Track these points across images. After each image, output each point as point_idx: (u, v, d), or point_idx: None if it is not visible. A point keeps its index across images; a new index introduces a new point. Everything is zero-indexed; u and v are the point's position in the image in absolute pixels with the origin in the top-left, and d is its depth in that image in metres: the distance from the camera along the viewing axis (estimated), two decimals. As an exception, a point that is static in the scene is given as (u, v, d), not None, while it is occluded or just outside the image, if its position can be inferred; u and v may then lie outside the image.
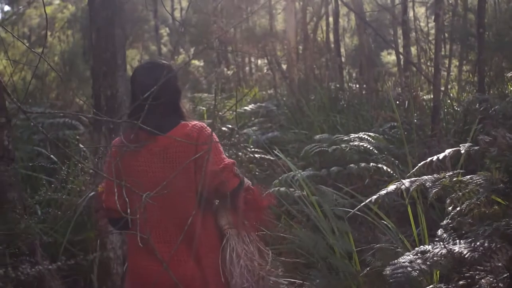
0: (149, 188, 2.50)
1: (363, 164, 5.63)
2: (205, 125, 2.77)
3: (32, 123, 2.81)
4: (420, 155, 5.90)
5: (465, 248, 2.72)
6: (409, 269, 2.60)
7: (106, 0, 4.31)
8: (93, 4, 4.37)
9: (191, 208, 2.56)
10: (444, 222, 3.29)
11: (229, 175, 2.66)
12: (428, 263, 2.65)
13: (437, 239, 3.08)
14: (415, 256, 2.76)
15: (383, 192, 3.45)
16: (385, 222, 4.37)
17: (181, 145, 2.65)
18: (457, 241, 2.87)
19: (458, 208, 3.27)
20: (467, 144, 3.60)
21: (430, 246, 2.87)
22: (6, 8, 25.25)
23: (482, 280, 3.04)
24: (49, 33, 19.45)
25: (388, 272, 2.64)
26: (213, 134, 2.75)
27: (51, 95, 9.68)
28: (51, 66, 2.02)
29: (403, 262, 2.69)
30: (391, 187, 3.45)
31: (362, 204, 3.93)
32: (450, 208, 3.34)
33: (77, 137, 6.61)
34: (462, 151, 3.45)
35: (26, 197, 4.15)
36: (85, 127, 7.21)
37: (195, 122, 2.79)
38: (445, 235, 3.03)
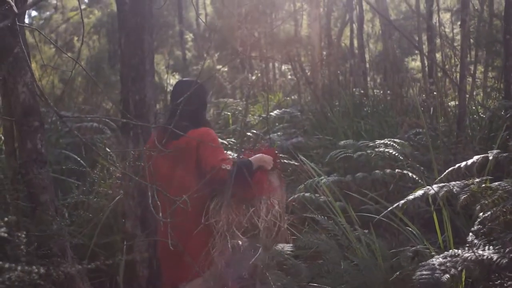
0: (163, 180, 3.48)
1: (388, 170, 5.62)
2: (210, 131, 3.60)
3: (66, 126, 2.91)
4: (446, 161, 5.88)
5: (494, 254, 2.72)
6: (438, 272, 2.61)
7: (136, 6, 4.37)
8: (122, 10, 4.42)
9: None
10: (475, 227, 3.30)
11: (221, 172, 3.35)
12: (458, 267, 2.65)
13: (467, 244, 3.08)
14: (445, 260, 2.76)
15: (410, 197, 3.45)
16: (410, 229, 4.37)
17: (185, 149, 3.49)
18: (486, 247, 2.87)
19: (486, 215, 3.27)
20: (495, 151, 3.59)
21: (460, 250, 2.87)
22: (34, 13, 25.57)
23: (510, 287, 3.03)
24: (75, 38, 19.67)
25: (418, 274, 2.65)
26: (215, 137, 3.61)
27: (78, 100, 9.80)
28: (86, 71, 2.08)
29: (432, 265, 2.69)
30: (419, 192, 3.45)
31: (388, 209, 3.93)
32: (481, 214, 3.34)
33: (104, 141, 6.68)
34: (490, 158, 3.45)
35: (57, 199, 4.21)
36: (112, 132, 7.28)
37: (202, 128, 3.58)
38: (476, 241, 3.03)
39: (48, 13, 23.46)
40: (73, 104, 8.94)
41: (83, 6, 22.86)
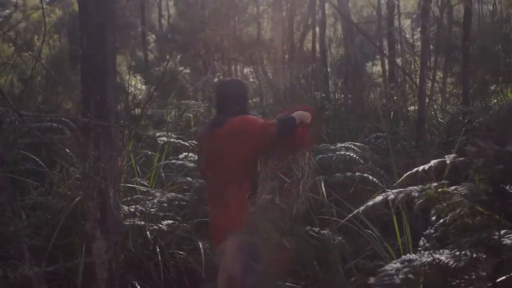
0: (214, 164, 3.95)
1: (349, 173, 5.68)
2: (246, 116, 4.02)
3: (25, 126, 2.86)
4: (405, 165, 5.96)
5: (450, 257, 2.76)
6: (395, 277, 2.63)
7: (99, 5, 4.31)
8: (85, 9, 4.35)
9: (232, 177, 3.84)
10: (427, 231, 3.37)
11: (270, 128, 3.79)
12: (415, 272, 2.68)
13: (420, 248, 3.15)
14: (401, 265, 2.79)
15: (370, 203, 3.48)
16: (370, 231, 4.41)
17: (228, 137, 3.86)
18: (442, 250, 2.91)
19: (442, 219, 3.32)
20: (451, 155, 3.64)
21: (416, 255, 2.91)
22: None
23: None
24: (35, 37, 19.36)
25: (373, 281, 2.68)
26: (252, 116, 4.17)
27: (37, 99, 9.62)
28: (47, 69, 2.04)
29: (390, 270, 2.72)
30: (378, 198, 3.48)
31: (351, 214, 3.96)
32: (434, 218, 3.41)
33: (64, 141, 6.57)
34: (448, 162, 3.49)
35: (14, 200, 4.14)
36: (72, 132, 7.17)
37: (241, 116, 3.94)
38: (428, 245, 3.09)
39: (7, 11, 23.05)
40: (32, 103, 8.77)
41: (44, 5, 22.54)
